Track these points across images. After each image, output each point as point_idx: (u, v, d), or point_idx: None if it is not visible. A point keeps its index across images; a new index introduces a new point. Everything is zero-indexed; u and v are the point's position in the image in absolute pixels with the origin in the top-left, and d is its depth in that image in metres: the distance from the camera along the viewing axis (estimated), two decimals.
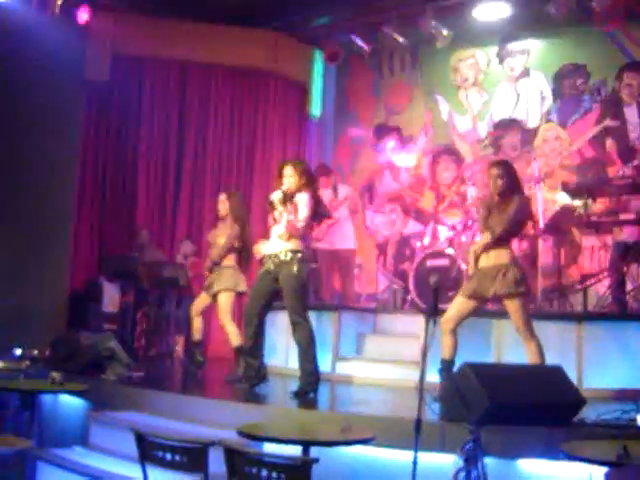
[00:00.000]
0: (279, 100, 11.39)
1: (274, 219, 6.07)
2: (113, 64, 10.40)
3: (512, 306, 5.52)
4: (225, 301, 7.20)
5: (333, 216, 8.43)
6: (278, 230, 6.01)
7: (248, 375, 6.17)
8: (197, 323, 7.44)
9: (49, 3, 9.56)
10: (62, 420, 6.09)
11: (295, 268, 5.90)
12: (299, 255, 5.95)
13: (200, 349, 7.64)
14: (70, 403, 6.08)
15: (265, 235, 6.34)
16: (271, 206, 6.03)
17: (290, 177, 6.02)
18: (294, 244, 5.96)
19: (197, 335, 7.48)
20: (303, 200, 5.94)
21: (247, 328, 6.09)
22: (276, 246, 6.01)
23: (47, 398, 5.99)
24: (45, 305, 9.48)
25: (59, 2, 9.52)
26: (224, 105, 11.08)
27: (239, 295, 7.33)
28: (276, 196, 5.97)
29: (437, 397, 5.23)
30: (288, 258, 5.93)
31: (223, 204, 7.37)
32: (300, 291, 5.93)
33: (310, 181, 6.09)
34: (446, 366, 5.64)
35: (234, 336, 7.12)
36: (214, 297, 7.24)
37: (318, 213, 6.19)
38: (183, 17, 10.51)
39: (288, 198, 5.98)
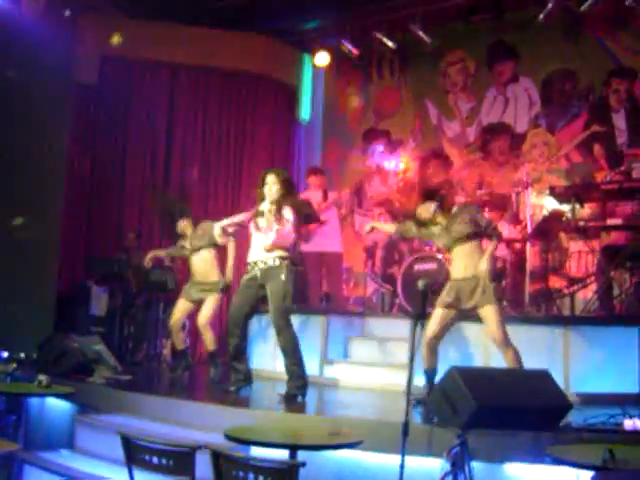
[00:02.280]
0: (268, 103, 11.39)
1: (256, 227, 6.09)
2: (102, 66, 10.40)
3: (487, 313, 5.52)
4: (212, 306, 7.25)
5: (322, 219, 8.45)
6: (263, 240, 6.01)
7: (236, 379, 6.18)
8: (182, 334, 7.53)
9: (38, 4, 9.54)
10: (49, 423, 6.08)
11: (284, 274, 5.93)
12: (287, 261, 5.98)
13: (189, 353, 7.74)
14: (57, 406, 6.06)
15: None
16: (261, 216, 6.04)
17: (273, 185, 6.06)
18: (282, 250, 5.99)
19: (183, 344, 7.56)
20: (289, 216, 5.99)
21: (232, 333, 6.10)
22: (263, 253, 6.02)
23: (34, 401, 5.97)
24: (33, 308, 9.44)
25: None
26: (213, 108, 11.07)
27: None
28: (266, 207, 6.01)
29: (417, 401, 5.27)
30: (277, 264, 5.96)
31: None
32: (287, 297, 5.94)
33: (290, 190, 6.16)
34: (431, 374, 5.66)
35: (211, 341, 7.24)
36: (198, 302, 7.31)
37: (307, 216, 6.22)
38: (173, 20, 10.50)
39: (275, 208, 6.01)
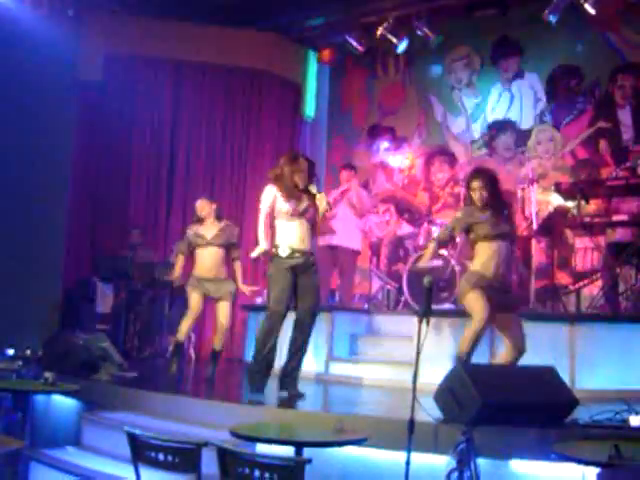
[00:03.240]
0: (273, 100, 11.39)
1: (295, 210, 5.89)
2: (106, 64, 10.41)
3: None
4: (230, 308, 7.23)
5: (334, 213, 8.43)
6: (306, 225, 5.93)
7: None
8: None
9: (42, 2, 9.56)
10: (55, 420, 6.09)
11: (316, 269, 5.96)
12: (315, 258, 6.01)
13: None
14: (63, 403, 6.07)
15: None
16: (297, 199, 5.91)
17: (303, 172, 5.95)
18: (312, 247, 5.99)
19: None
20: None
21: (275, 332, 5.89)
22: (304, 241, 5.92)
23: (40, 398, 5.98)
24: (38, 305, 9.47)
25: None
26: (218, 105, 11.08)
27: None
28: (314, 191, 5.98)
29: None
30: (312, 260, 5.93)
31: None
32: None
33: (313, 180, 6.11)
34: None
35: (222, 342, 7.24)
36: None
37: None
38: (177, 17, 10.50)
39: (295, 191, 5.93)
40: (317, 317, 5.96)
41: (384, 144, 11.55)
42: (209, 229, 7.19)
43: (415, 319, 3.98)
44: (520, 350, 5.52)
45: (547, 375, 4.59)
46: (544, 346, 6.24)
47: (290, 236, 5.91)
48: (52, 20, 9.70)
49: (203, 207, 7.31)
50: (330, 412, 5.63)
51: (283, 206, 5.90)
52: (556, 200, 8.47)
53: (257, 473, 3.18)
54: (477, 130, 11.01)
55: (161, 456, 3.53)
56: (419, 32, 10.42)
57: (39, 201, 9.68)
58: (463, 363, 4.42)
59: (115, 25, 10.50)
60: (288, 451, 3.62)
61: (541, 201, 8.86)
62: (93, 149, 10.54)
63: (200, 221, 7.27)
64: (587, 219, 7.58)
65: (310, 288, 5.88)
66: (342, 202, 8.70)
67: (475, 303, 5.49)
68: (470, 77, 11.18)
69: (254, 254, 6.16)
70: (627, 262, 7.38)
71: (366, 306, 9.24)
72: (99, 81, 10.41)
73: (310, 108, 12.08)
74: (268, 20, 10.76)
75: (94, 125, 10.53)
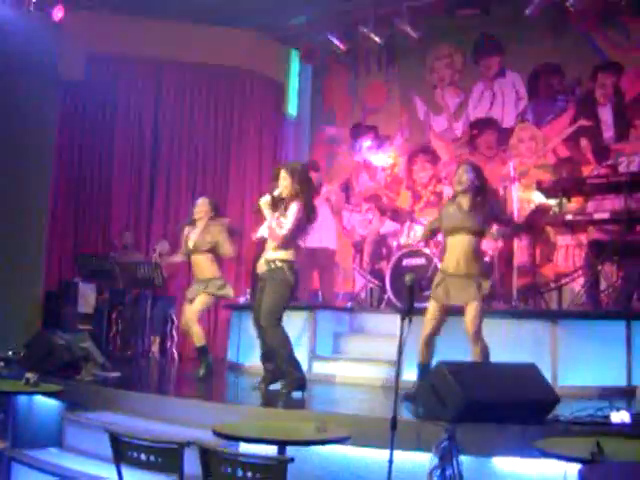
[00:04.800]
0: (255, 99, 11.39)
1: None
2: (88, 63, 10.37)
3: (472, 310, 5.51)
4: (203, 301, 7.21)
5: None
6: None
7: (264, 377, 6.18)
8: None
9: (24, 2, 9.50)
10: (37, 421, 6.06)
11: (282, 275, 5.87)
12: (289, 264, 5.89)
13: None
14: (45, 404, 6.04)
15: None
16: (258, 212, 5.97)
17: (283, 180, 5.94)
18: (285, 254, 5.90)
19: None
20: (293, 211, 5.85)
21: (258, 334, 6.12)
22: (269, 253, 5.97)
23: (22, 399, 5.95)
24: (20, 305, 9.42)
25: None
26: (200, 104, 11.07)
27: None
28: (263, 200, 5.92)
29: (406, 396, 5.23)
30: (279, 265, 5.89)
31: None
32: (280, 299, 5.89)
33: (304, 187, 5.95)
34: (424, 369, 5.63)
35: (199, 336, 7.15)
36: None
37: (310, 220, 6.05)
38: (159, 16, 10.46)
39: (279, 203, 5.93)
40: (275, 320, 5.93)
41: (367, 143, 11.56)
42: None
43: (398, 317, 3.98)
44: None
45: (529, 372, 4.61)
46: (526, 343, 6.28)
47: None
48: (33, 19, 9.64)
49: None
50: (313, 411, 5.63)
51: None
52: (538, 198, 8.51)
53: (240, 472, 3.17)
54: (459, 128, 11.04)
55: (143, 456, 3.52)
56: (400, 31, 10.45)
57: (20, 201, 9.63)
58: (446, 361, 4.42)
59: (97, 24, 10.43)
60: (271, 450, 3.62)
61: (523, 199, 8.90)
62: (75, 149, 10.51)
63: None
64: (569, 217, 7.61)
65: (267, 294, 5.93)
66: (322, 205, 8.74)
67: None
68: (452, 76, 11.20)
69: None
70: (608, 259, 7.42)
71: (349, 304, 9.23)
72: (81, 81, 10.36)
73: (292, 107, 12.08)
74: (250, 19, 10.73)
75: (76, 125, 10.49)
